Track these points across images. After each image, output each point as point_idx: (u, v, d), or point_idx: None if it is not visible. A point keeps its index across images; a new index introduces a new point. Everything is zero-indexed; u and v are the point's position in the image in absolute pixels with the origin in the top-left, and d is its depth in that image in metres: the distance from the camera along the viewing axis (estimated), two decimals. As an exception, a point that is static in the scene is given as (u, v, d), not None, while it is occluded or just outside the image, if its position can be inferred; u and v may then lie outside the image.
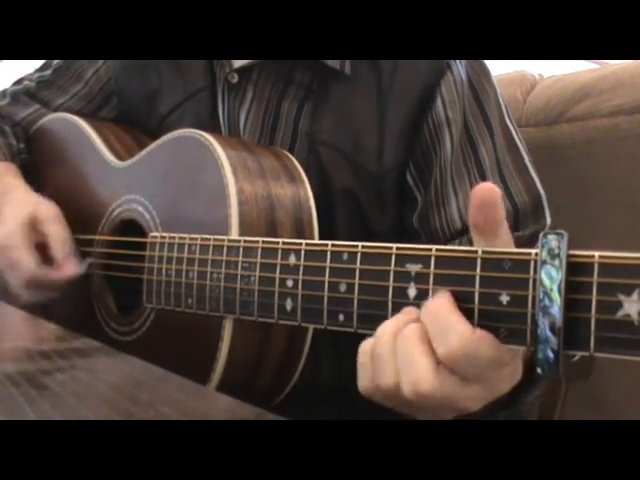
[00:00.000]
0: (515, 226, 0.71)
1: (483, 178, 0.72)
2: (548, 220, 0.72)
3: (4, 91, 0.99)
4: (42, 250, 0.77)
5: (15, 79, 1.01)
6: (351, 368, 0.78)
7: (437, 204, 0.73)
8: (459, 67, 0.73)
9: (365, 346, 0.47)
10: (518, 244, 0.71)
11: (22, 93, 0.98)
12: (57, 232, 0.78)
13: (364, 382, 0.46)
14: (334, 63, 0.74)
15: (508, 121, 0.75)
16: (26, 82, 0.98)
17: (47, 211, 0.79)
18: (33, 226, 0.78)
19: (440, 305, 0.43)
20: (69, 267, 0.77)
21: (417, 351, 0.42)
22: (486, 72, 0.76)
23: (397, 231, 0.76)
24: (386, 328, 0.45)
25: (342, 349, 0.76)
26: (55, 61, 0.97)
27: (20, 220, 0.77)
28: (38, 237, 0.78)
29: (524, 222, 0.71)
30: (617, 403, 0.88)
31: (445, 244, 0.71)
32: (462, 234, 0.72)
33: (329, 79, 0.75)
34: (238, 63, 0.78)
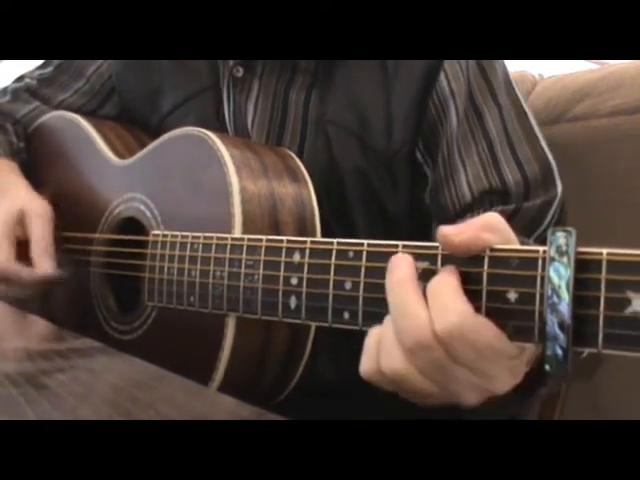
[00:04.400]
0: (525, 196, 0.70)
1: (491, 148, 0.71)
2: (559, 189, 0.72)
3: (5, 89, 0.99)
4: (25, 247, 0.77)
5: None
6: (350, 367, 0.78)
7: (446, 178, 0.72)
8: None
9: (373, 332, 0.47)
10: (529, 214, 0.70)
11: (23, 90, 0.97)
12: (37, 230, 0.78)
13: (367, 366, 0.46)
14: None
15: (517, 91, 0.75)
16: (27, 79, 0.98)
17: (35, 208, 0.79)
18: (19, 221, 0.78)
19: (444, 284, 0.43)
20: (41, 268, 0.76)
21: (418, 308, 0.43)
22: None
23: (412, 210, 0.75)
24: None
25: (340, 348, 0.76)
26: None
27: (7, 214, 0.77)
28: (22, 233, 0.78)
29: (534, 192, 0.70)
30: (617, 403, 0.88)
31: (455, 219, 0.71)
32: (472, 208, 0.71)
33: (333, 62, 0.75)
34: None
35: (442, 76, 0.72)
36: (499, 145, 0.71)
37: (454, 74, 0.72)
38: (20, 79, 0.99)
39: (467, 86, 0.73)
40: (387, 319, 0.46)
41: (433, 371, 0.43)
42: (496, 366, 0.43)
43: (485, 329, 0.42)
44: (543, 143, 0.73)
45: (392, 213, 0.74)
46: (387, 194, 0.74)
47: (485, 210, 0.70)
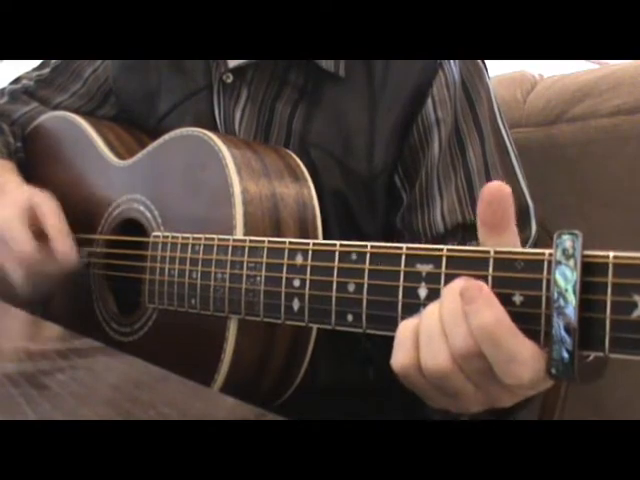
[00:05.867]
0: None
1: (469, 182, 0.71)
2: (533, 231, 0.72)
3: (2, 90, 0.99)
4: (41, 242, 0.76)
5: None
6: (350, 370, 0.78)
7: (421, 204, 0.73)
8: (452, 66, 0.73)
9: (407, 324, 0.46)
10: None
11: (21, 92, 0.97)
12: (53, 220, 0.76)
13: (404, 360, 0.45)
14: (328, 65, 0.74)
15: (500, 124, 0.75)
16: (24, 81, 0.98)
17: (46, 205, 0.78)
18: (31, 217, 0.76)
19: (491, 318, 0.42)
20: (70, 256, 0.75)
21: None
22: (480, 72, 0.75)
23: (387, 233, 0.75)
24: (434, 308, 0.45)
25: (341, 351, 0.76)
26: (53, 60, 0.97)
27: (18, 208, 0.76)
28: (36, 229, 0.76)
29: None
30: (617, 403, 0.88)
31: None
32: (444, 238, 0.71)
33: (323, 81, 0.75)
34: (233, 63, 0.78)
35: (429, 102, 0.72)
36: (477, 180, 0.71)
37: (441, 100, 0.72)
38: (17, 81, 0.99)
39: (453, 115, 0.72)
40: (426, 312, 0.45)
41: (479, 375, 0.43)
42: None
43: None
44: (522, 182, 0.73)
45: (368, 235, 0.74)
46: (364, 217, 0.75)
47: (458, 243, 0.70)
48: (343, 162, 0.74)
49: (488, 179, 0.71)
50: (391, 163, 0.73)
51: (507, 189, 0.43)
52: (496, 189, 0.43)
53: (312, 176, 0.72)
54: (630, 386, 0.85)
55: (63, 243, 0.75)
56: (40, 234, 0.76)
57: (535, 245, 0.72)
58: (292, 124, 0.76)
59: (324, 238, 0.67)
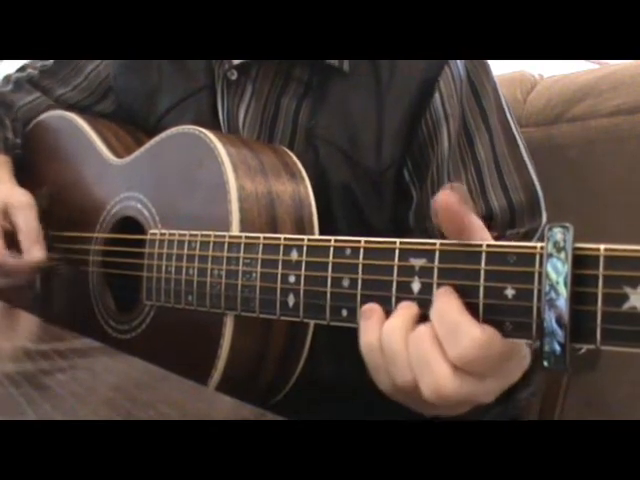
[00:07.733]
0: (511, 223, 0.70)
1: (479, 174, 0.72)
2: (544, 218, 0.72)
3: (8, 77, 1.01)
4: (12, 237, 0.79)
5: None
6: (351, 368, 0.78)
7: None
8: (457, 62, 0.73)
9: (371, 344, 0.46)
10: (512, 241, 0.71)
11: (25, 80, 0.99)
12: (24, 220, 0.79)
13: (385, 382, 0.46)
14: (333, 60, 0.74)
15: (509, 117, 0.75)
16: (29, 70, 1.00)
17: (19, 200, 0.81)
18: (4, 214, 0.79)
19: (447, 305, 0.43)
20: (32, 254, 0.77)
21: (433, 355, 0.42)
22: (485, 68, 0.75)
23: (394, 227, 0.75)
24: (394, 324, 0.45)
25: (341, 349, 0.76)
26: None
27: None
28: (8, 225, 0.79)
29: (520, 219, 0.71)
30: (617, 403, 0.88)
31: None
32: None
33: (328, 76, 0.76)
34: (237, 60, 0.78)
35: (437, 96, 0.72)
36: (487, 172, 0.72)
37: (449, 94, 0.72)
38: (23, 69, 1.01)
39: (460, 109, 0.72)
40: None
41: (461, 397, 0.43)
42: (507, 364, 0.44)
43: (494, 341, 0.41)
44: (532, 171, 0.74)
45: (375, 229, 0.74)
46: (372, 210, 0.75)
47: None
48: (351, 156, 0.74)
49: (498, 170, 0.72)
50: (399, 157, 0.73)
51: (453, 197, 0.43)
52: (443, 199, 0.43)
53: (319, 171, 0.72)
54: (630, 386, 0.85)
55: (28, 239, 0.78)
56: (12, 230, 0.79)
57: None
58: (298, 119, 0.76)
59: (331, 232, 0.68)
